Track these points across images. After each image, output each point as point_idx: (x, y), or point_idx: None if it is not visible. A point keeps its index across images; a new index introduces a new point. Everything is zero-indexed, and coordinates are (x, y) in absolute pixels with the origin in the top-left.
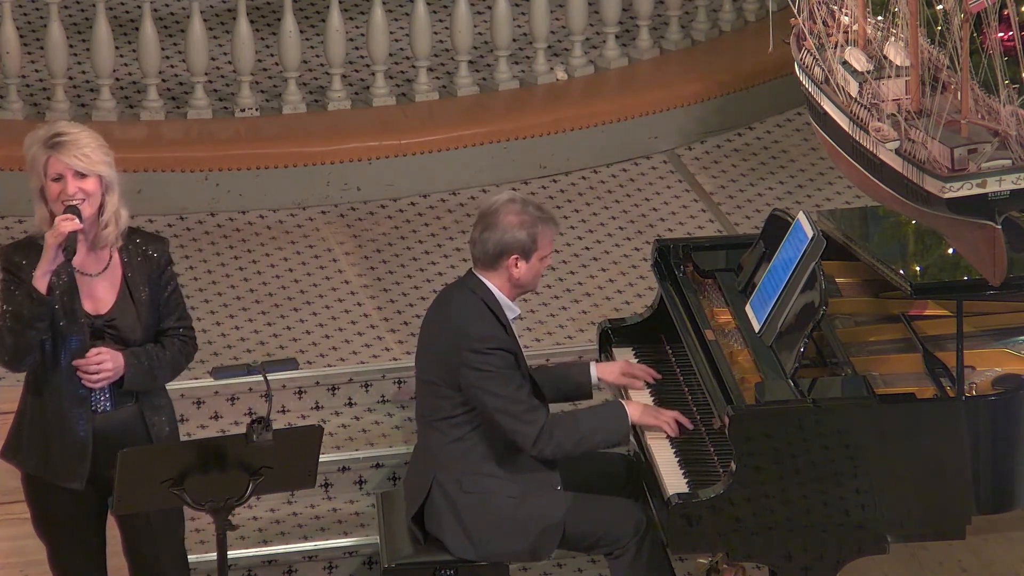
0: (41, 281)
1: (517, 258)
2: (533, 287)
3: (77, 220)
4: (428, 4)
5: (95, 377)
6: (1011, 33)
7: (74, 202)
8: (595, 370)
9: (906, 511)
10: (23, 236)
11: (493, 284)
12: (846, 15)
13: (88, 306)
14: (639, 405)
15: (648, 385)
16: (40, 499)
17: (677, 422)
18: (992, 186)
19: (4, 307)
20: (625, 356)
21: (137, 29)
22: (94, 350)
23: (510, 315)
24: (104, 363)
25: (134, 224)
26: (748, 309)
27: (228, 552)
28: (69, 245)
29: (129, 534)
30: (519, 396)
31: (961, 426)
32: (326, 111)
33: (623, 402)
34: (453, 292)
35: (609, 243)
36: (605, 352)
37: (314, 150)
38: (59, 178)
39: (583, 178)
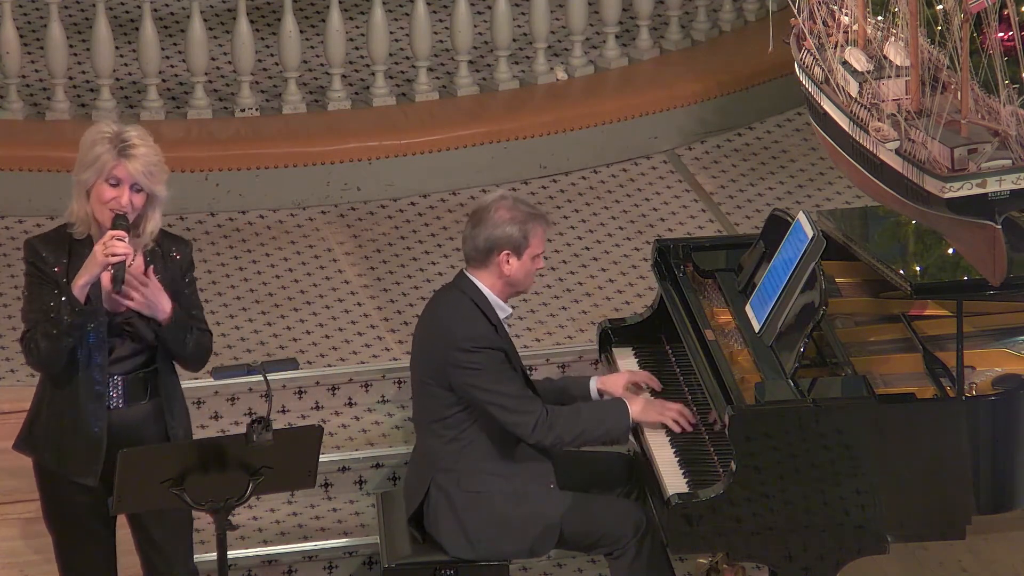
0: (81, 291)
1: (508, 254)
2: (526, 287)
3: (127, 240)
4: (428, 4)
5: (106, 249)
6: (1011, 33)
7: (123, 211)
8: (596, 384)
9: (906, 511)
10: (50, 228)
11: (484, 283)
12: (846, 15)
13: (108, 303)
14: (641, 401)
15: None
16: (52, 492)
17: (683, 417)
18: (992, 186)
19: (34, 307)
20: (625, 356)
21: (137, 29)
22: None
23: (501, 314)
24: (118, 246)
25: None
26: (748, 309)
27: (228, 552)
28: (118, 273)
29: (141, 532)
30: (509, 389)
31: (961, 426)
32: (326, 111)
33: (626, 399)
34: (443, 293)
35: (609, 243)
36: (605, 352)
37: (314, 150)
38: (117, 184)
39: (583, 178)
